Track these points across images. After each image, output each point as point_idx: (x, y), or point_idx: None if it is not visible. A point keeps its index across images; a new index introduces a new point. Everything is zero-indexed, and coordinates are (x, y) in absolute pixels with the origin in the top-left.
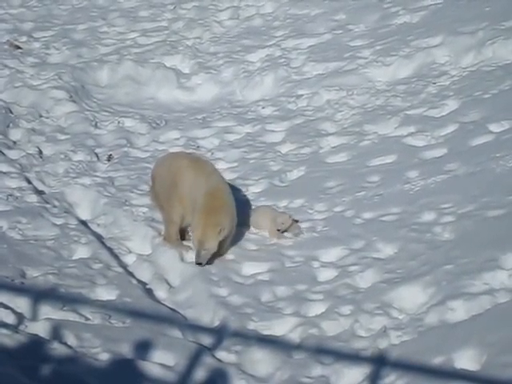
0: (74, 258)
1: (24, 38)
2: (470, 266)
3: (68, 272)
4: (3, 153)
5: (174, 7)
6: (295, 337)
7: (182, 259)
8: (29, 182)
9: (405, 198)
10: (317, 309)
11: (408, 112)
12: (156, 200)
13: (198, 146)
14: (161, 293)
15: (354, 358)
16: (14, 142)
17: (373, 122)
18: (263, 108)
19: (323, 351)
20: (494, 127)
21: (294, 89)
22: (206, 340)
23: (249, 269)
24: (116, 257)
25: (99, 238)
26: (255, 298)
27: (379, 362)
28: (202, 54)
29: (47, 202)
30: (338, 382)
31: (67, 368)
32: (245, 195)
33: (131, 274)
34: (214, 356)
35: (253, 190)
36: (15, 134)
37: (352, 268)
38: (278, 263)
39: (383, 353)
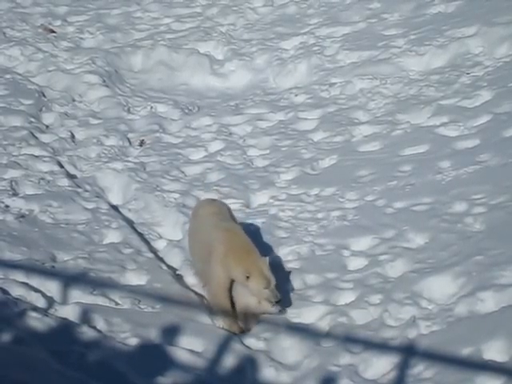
0: (104, 242)
1: (58, 22)
2: (500, 257)
3: (98, 256)
4: (36, 136)
5: None
6: (324, 325)
7: None
8: (61, 165)
9: (436, 188)
10: (346, 297)
11: (441, 102)
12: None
13: (231, 133)
14: (190, 279)
15: (382, 347)
16: (47, 126)
17: (405, 111)
18: (296, 96)
19: (352, 340)
20: None
21: (327, 77)
22: None
23: (280, 256)
24: (146, 242)
25: (130, 223)
26: (285, 286)
27: (408, 352)
28: (235, 41)
29: (79, 186)
30: (366, 371)
31: (96, 352)
32: None
33: (161, 260)
34: (242, 343)
35: (284, 178)
36: (48, 118)
37: (382, 257)
38: (308, 251)
39: (412, 343)
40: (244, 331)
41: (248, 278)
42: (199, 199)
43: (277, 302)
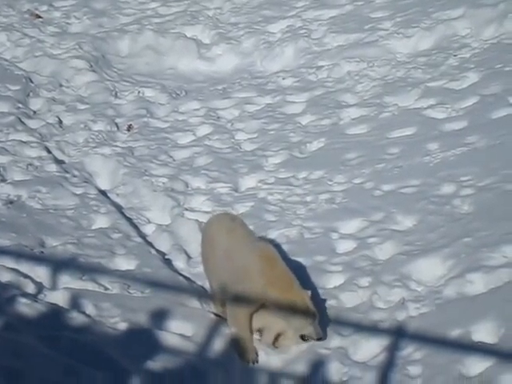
0: (93, 227)
1: (44, 8)
2: (489, 238)
3: (87, 242)
4: (23, 122)
5: None
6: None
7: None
8: (49, 151)
9: (424, 171)
10: (335, 280)
11: (428, 84)
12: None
13: (218, 117)
14: (179, 263)
15: (372, 329)
16: (34, 112)
17: (393, 93)
18: (283, 79)
19: (341, 322)
20: None
21: (314, 60)
22: None
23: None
24: (135, 227)
25: (119, 207)
26: None
27: (397, 334)
28: (222, 25)
29: (67, 172)
30: (355, 354)
31: (86, 337)
32: None
33: (150, 244)
34: None
35: (272, 161)
36: (35, 104)
37: (371, 240)
38: (297, 234)
39: (401, 325)
40: (257, 362)
41: (293, 310)
42: (214, 215)
43: (318, 339)
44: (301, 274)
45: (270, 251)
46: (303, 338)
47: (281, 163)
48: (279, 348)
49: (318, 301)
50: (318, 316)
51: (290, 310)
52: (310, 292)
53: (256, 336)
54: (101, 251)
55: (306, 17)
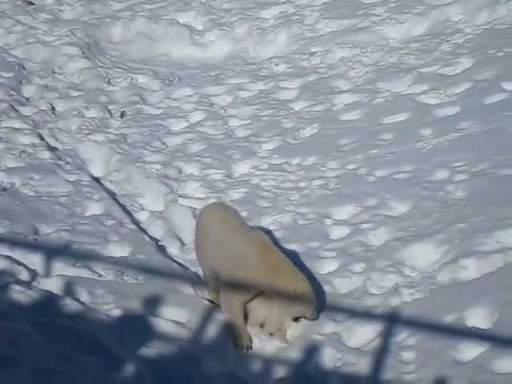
0: (86, 214)
1: None
2: (482, 224)
3: (81, 229)
4: (16, 109)
5: None
6: None
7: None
8: (42, 138)
9: (418, 156)
10: (329, 266)
11: (421, 70)
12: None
13: (211, 104)
14: (173, 250)
15: (366, 315)
16: (27, 99)
17: (386, 79)
18: (276, 65)
19: (335, 308)
20: (508, 85)
21: (307, 46)
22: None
23: (262, 226)
24: (129, 214)
25: (112, 194)
26: None
27: (391, 320)
28: (215, 11)
29: (60, 159)
30: (349, 339)
31: (79, 324)
32: None
33: (144, 231)
34: None
35: (266, 148)
36: (28, 91)
37: (364, 226)
38: (290, 220)
39: (395, 310)
40: (251, 348)
41: (294, 294)
42: (208, 204)
43: (313, 320)
44: (295, 260)
45: (265, 239)
46: (296, 319)
47: (274, 149)
48: (276, 335)
49: (313, 286)
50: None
51: (293, 296)
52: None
53: (259, 329)
54: (94, 238)
55: (298, 3)
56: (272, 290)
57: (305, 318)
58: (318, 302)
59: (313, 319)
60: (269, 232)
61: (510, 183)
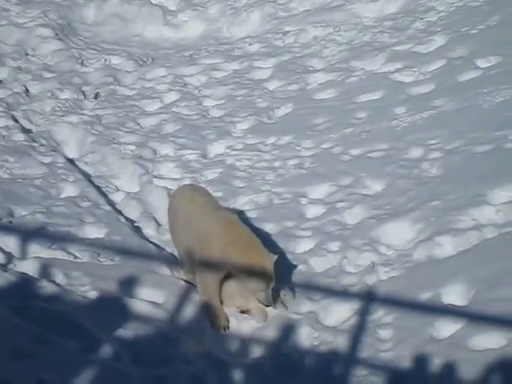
0: (61, 196)
1: None
2: (457, 201)
3: (56, 210)
4: None
5: None
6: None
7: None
8: (16, 120)
9: (392, 135)
10: (305, 245)
11: (395, 48)
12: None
13: (186, 84)
14: (149, 231)
15: (342, 294)
16: (0, 81)
17: (360, 58)
18: (250, 45)
19: (311, 287)
20: (482, 63)
21: (280, 25)
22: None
23: (237, 206)
24: (104, 195)
25: (87, 176)
26: None
27: (367, 298)
28: None
29: (34, 141)
30: (326, 318)
31: (56, 306)
32: None
33: (119, 212)
34: None
35: (240, 127)
36: (1, 73)
37: (340, 204)
38: (266, 200)
39: (371, 288)
40: (228, 329)
41: (250, 273)
42: (179, 186)
43: (266, 306)
44: (270, 239)
45: (231, 216)
46: (260, 303)
47: (248, 129)
48: (252, 315)
49: (287, 266)
50: (274, 281)
51: (247, 271)
52: (276, 256)
53: (235, 309)
54: (70, 220)
55: None
56: (231, 263)
57: (259, 301)
58: (290, 284)
59: (266, 305)
60: (243, 212)
61: (485, 160)
